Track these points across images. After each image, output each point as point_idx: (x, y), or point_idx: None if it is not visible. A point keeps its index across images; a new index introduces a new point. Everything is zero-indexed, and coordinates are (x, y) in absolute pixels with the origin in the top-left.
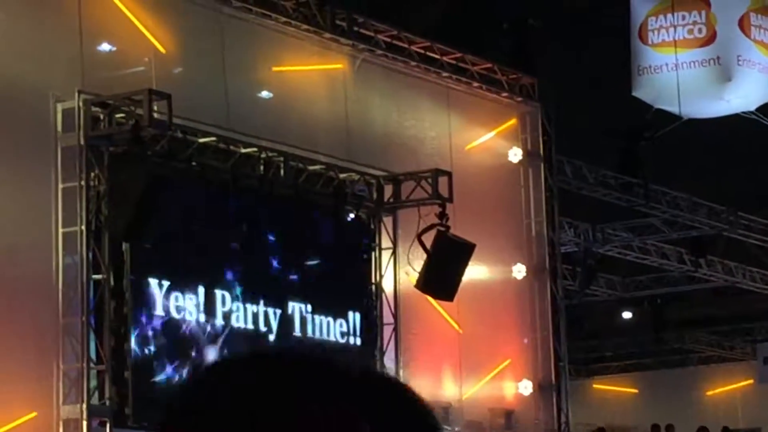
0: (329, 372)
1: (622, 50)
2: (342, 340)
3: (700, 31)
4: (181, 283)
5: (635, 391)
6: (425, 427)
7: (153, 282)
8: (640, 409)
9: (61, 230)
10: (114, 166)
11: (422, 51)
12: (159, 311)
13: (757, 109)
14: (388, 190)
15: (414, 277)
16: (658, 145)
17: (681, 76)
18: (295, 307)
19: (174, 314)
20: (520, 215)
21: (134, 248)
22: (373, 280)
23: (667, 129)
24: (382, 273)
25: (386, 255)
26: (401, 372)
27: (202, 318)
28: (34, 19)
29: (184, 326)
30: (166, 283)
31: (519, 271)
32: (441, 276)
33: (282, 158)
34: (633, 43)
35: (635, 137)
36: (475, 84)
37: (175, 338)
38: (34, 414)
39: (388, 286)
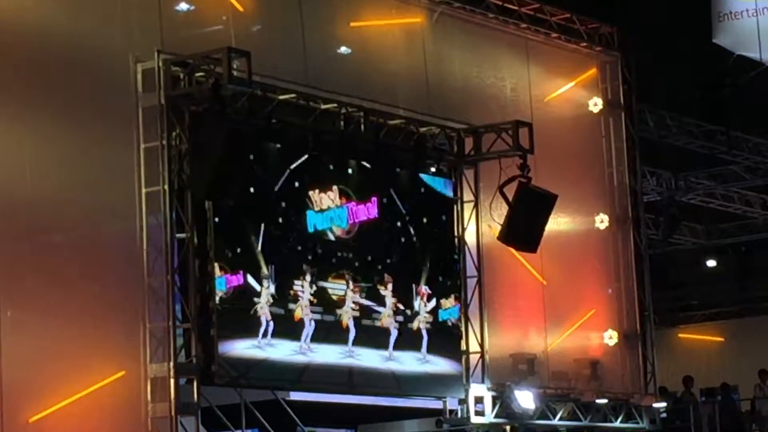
0: None
1: None
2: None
3: None
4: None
5: (721, 339)
6: None
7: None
8: (726, 357)
9: (144, 190)
10: (195, 124)
11: (500, 2)
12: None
13: None
14: (469, 143)
15: (497, 229)
16: (740, 92)
17: (761, 21)
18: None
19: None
20: (602, 165)
21: (217, 206)
22: (455, 234)
23: (748, 76)
24: (465, 226)
25: (468, 208)
26: (485, 325)
27: None
28: None
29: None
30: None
31: (602, 221)
32: (524, 227)
33: (362, 113)
34: None
35: (717, 84)
36: (554, 34)
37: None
38: (122, 372)
39: (470, 239)
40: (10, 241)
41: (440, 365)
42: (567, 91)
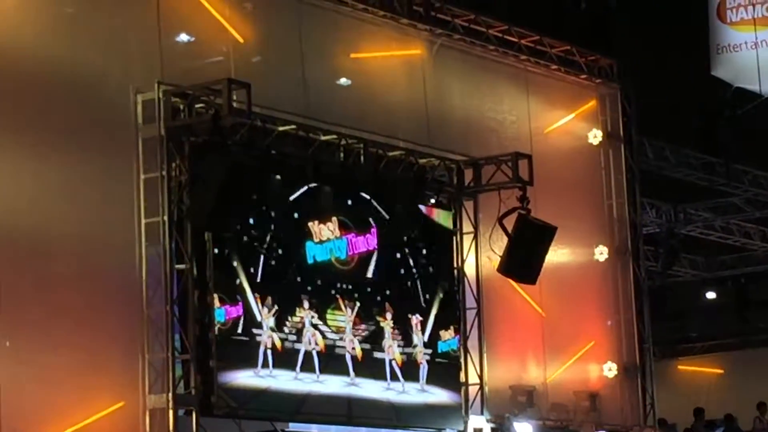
0: None
1: (701, 29)
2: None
3: None
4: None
5: (721, 371)
6: None
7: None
8: (726, 389)
9: (143, 221)
10: (195, 156)
11: (500, 34)
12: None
13: None
14: (469, 175)
15: (496, 261)
16: (739, 124)
17: (761, 54)
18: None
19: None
20: (602, 197)
21: (216, 237)
22: (455, 265)
23: (747, 108)
24: (464, 257)
25: (468, 239)
26: (485, 356)
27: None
28: (113, 11)
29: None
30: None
31: (601, 253)
32: (523, 259)
33: (362, 145)
34: (711, 21)
35: (716, 116)
36: (554, 66)
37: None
38: (121, 404)
39: (470, 270)
40: (9, 270)
41: (439, 396)
42: (567, 123)
